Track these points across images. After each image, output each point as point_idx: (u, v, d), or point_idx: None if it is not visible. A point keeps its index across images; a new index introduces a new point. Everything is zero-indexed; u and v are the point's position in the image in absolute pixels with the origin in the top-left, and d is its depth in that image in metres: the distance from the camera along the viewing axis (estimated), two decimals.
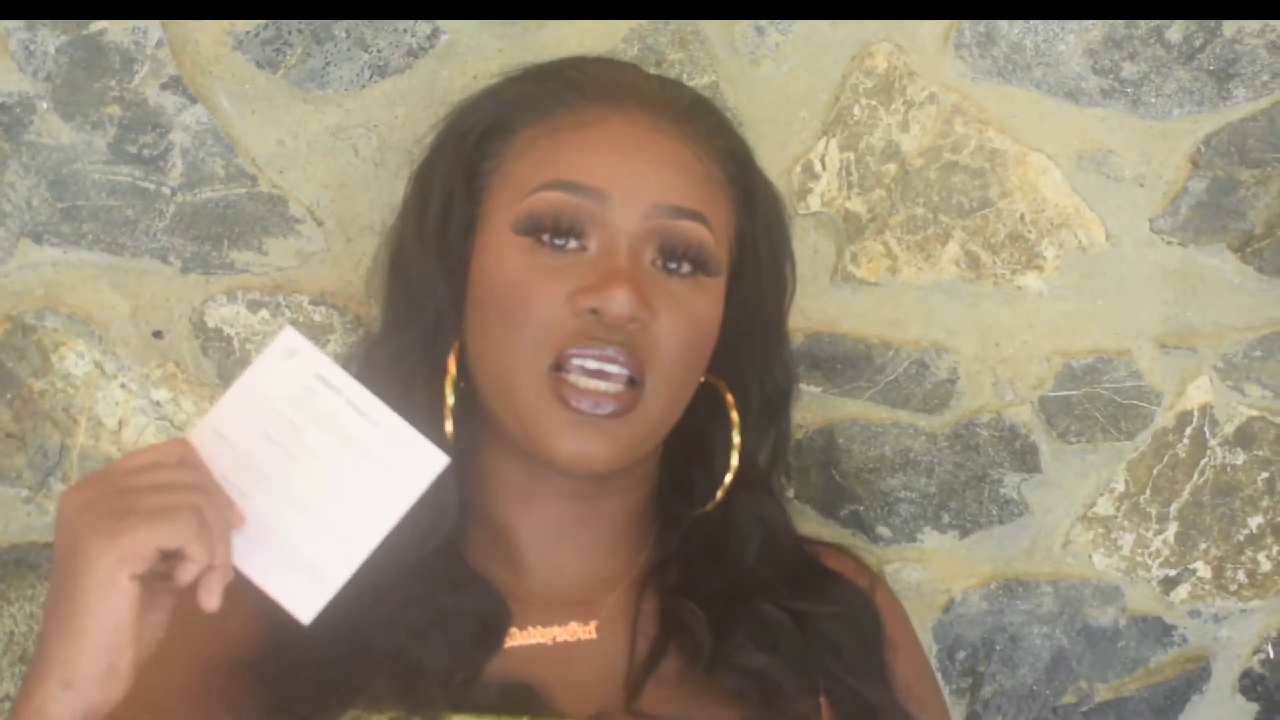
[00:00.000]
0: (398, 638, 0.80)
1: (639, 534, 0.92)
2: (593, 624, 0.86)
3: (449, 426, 0.85)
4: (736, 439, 0.91)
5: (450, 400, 0.85)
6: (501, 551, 0.88)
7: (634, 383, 0.80)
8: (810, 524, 1.15)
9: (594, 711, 0.80)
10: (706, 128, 0.87)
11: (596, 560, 0.90)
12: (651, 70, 1.04)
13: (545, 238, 0.81)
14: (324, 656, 0.79)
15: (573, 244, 0.81)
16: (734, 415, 0.91)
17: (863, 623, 0.90)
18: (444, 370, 0.86)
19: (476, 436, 0.88)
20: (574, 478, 0.84)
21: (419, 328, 0.87)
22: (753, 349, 0.93)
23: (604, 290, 0.77)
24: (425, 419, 0.84)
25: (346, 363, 0.98)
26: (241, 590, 0.83)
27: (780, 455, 0.99)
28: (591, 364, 0.79)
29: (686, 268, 0.83)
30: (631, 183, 0.81)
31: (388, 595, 0.82)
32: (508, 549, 0.88)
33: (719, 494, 0.91)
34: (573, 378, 0.79)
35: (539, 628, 0.85)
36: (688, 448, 0.91)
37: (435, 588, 0.83)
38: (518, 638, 0.84)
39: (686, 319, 0.82)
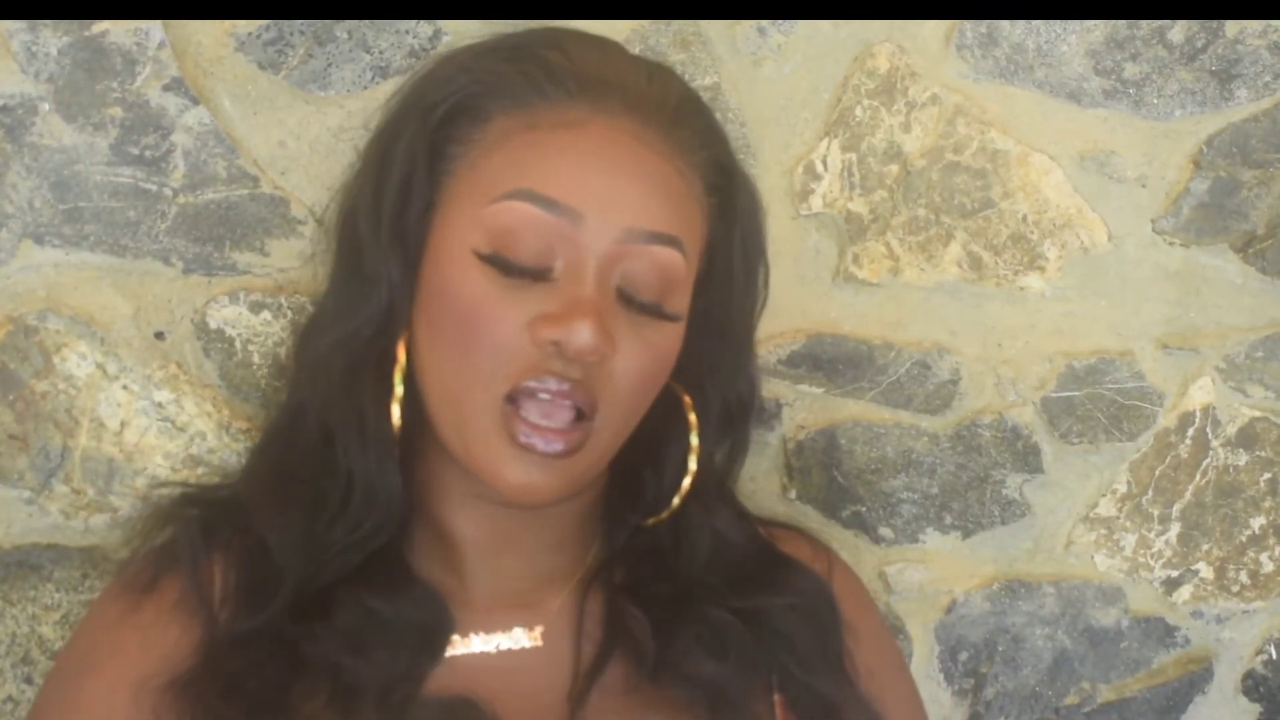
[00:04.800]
0: (335, 652, 0.77)
1: (585, 535, 0.90)
2: (538, 630, 0.84)
3: (396, 418, 0.81)
4: (695, 441, 0.88)
5: (399, 390, 0.81)
6: (444, 554, 0.86)
7: (584, 416, 0.77)
8: (812, 525, 1.15)
9: None
10: (692, 134, 0.82)
11: (541, 563, 0.87)
12: None
13: (510, 262, 0.76)
14: (260, 674, 0.76)
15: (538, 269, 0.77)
16: (692, 418, 0.89)
17: (819, 612, 0.88)
18: (393, 357, 0.81)
19: (420, 433, 0.83)
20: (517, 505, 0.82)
21: (369, 312, 0.81)
22: (718, 358, 0.90)
23: (567, 322, 0.73)
24: (372, 406, 0.81)
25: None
26: (175, 604, 0.81)
27: (737, 463, 0.96)
28: (545, 397, 0.75)
29: (649, 302, 0.79)
30: (607, 203, 0.76)
31: (327, 602, 0.80)
32: (450, 551, 0.86)
33: (675, 500, 0.88)
34: (524, 411, 0.76)
35: (482, 634, 0.83)
36: (639, 449, 0.87)
37: (375, 593, 0.80)
38: (460, 645, 0.82)
39: (645, 351, 0.79)
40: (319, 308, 0.90)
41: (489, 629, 0.83)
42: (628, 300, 0.78)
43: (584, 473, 0.80)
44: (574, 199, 0.75)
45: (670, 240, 0.78)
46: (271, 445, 0.89)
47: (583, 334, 0.73)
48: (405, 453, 0.83)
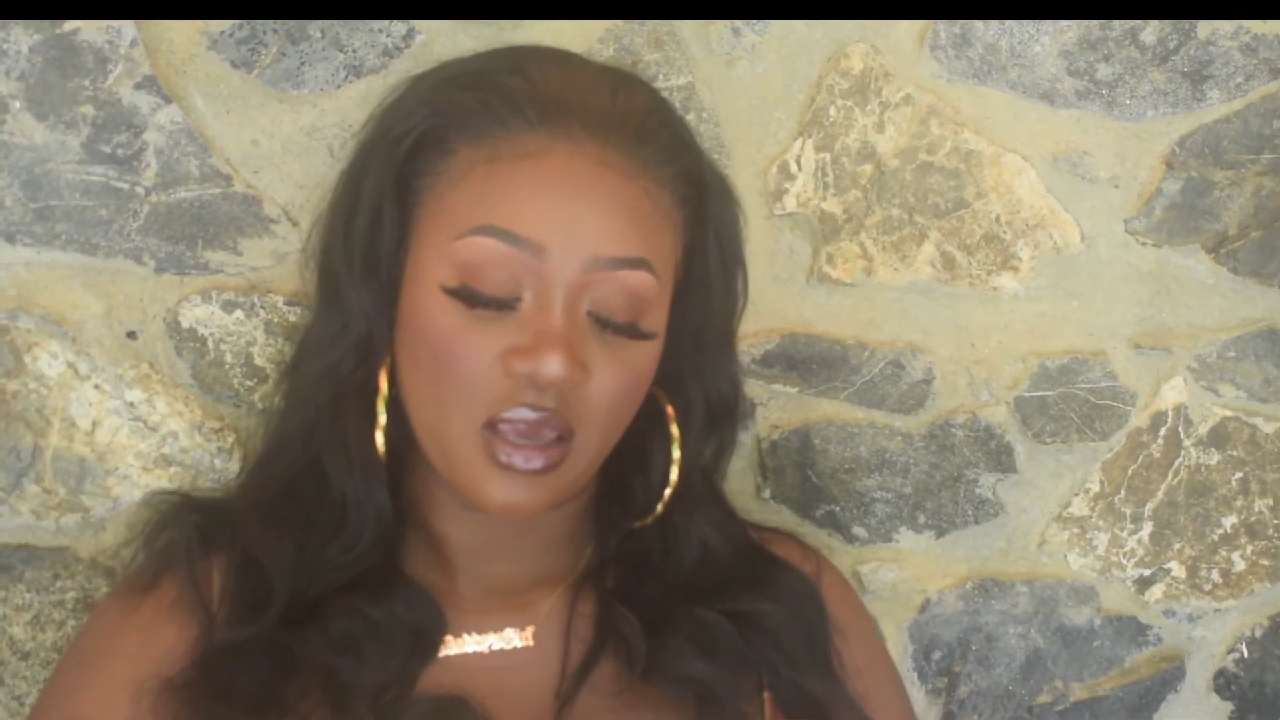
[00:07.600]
0: (329, 654, 0.78)
1: (576, 540, 0.91)
2: (529, 630, 0.85)
3: (380, 444, 0.83)
4: (676, 454, 0.89)
5: (383, 419, 0.83)
6: (436, 559, 0.87)
7: (563, 439, 0.78)
8: (786, 525, 1.15)
9: None
10: (658, 149, 0.81)
11: (533, 566, 0.88)
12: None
13: (477, 294, 0.77)
14: (254, 676, 0.77)
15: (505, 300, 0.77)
16: (675, 430, 0.89)
17: (807, 612, 0.89)
18: (375, 387, 0.83)
19: (409, 451, 0.86)
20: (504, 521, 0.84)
21: (349, 344, 0.84)
22: (699, 362, 0.91)
23: (537, 354, 0.74)
24: (356, 434, 0.83)
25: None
26: (173, 603, 0.83)
27: (723, 463, 0.97)
28: (522, 428, 0.76)
29: (622, 323, 0.79)
30: (571, 233, 0.76)
31: (321, 608, 0.81)
32: (442, 556, 0.87)
33: (659, 507, 0.89)
34: (503, 434, 0.76)
35: (475, 635, 0.84)
36: (627, 456, 0.88)
37: (368, 597, 0.82)
38: (453, 645, 0.83)
39: (620, 371, 0.79)
40: (305, 337, 0.91)
41: (481, 630, 0.84)
42: (601, 323, 0.78)
43: (567, 488, 0.81)
44: (536, 232, 0.75)
45: (638, 263, 0.78)
46: (265, 470, 0.91)
47: (552, 366, 0.74)
48: (395, 470, 0.85)
